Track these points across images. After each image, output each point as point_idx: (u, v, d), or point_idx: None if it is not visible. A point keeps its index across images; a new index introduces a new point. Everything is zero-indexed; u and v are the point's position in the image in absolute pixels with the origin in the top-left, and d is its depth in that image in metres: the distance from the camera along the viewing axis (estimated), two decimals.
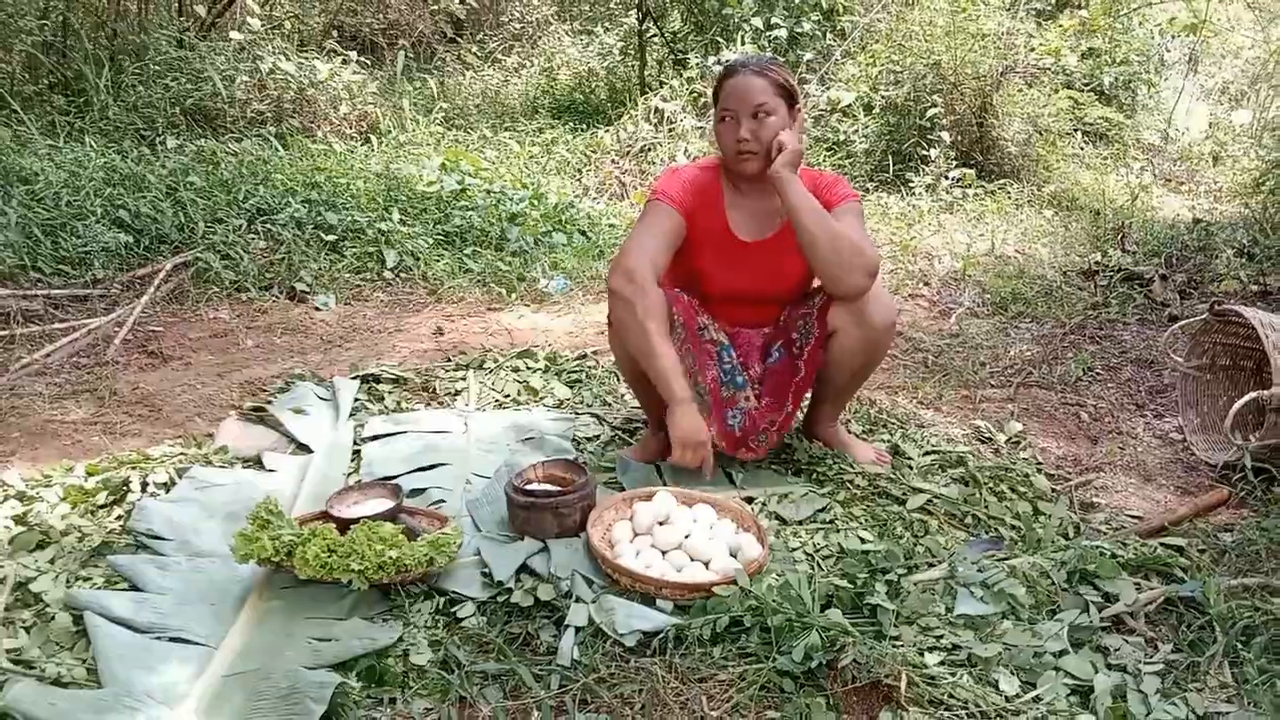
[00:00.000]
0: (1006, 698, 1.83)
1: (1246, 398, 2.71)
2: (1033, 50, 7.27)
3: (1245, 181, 6.60)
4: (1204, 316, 3.17)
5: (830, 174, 2.66)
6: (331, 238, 4.66)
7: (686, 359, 2.58)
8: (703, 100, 6.70)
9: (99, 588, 2.12)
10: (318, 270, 4.44)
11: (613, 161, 6.47)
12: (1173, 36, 8.40)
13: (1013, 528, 2.47)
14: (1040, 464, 2.90)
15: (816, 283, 2.62)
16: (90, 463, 2.66)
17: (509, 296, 4.34)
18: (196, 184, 4.93)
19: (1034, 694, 1.85)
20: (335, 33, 8.88)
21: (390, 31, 9.97)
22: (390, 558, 2.04)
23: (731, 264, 2.62)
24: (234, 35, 6.84)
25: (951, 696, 1.82)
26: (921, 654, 1.93)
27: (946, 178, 6.34)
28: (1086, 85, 7.88)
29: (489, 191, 5.45)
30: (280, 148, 5.93)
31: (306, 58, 7.02)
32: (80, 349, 3.69)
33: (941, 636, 2.00)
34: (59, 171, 4.88)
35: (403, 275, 4.53)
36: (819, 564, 2.28)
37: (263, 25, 7.12)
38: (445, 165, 5.74)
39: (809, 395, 2.80)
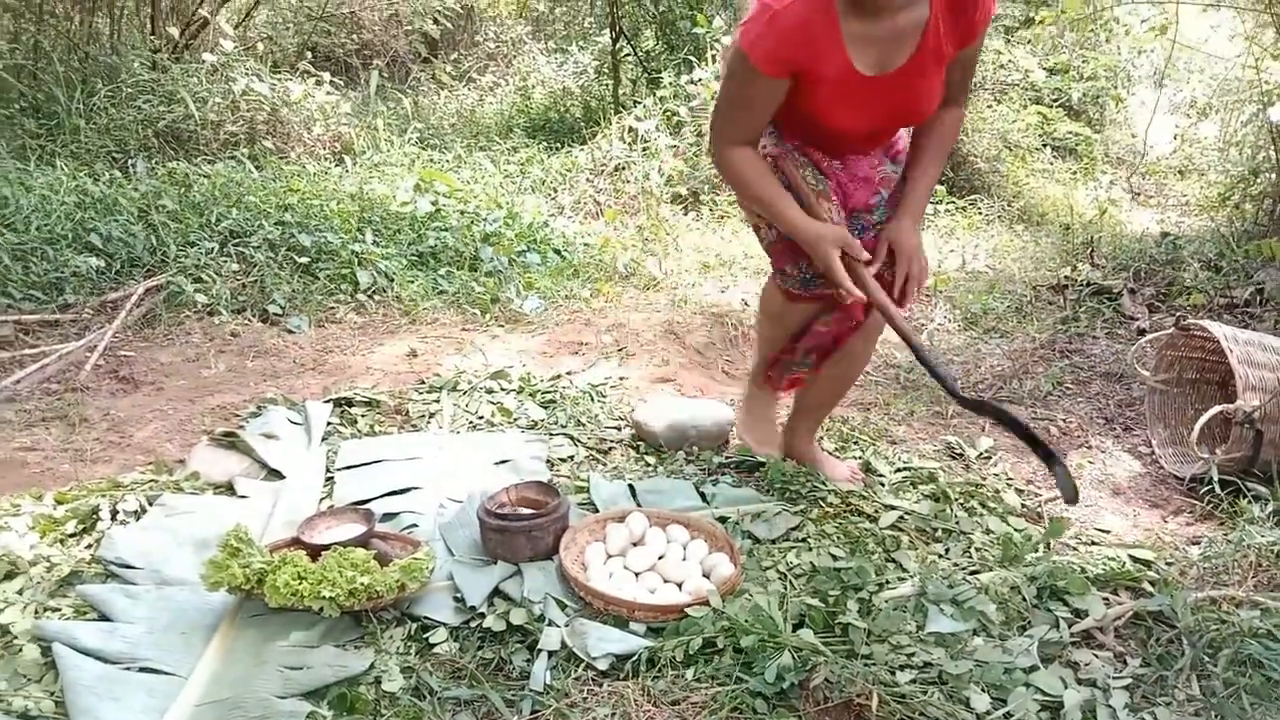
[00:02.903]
0: (978, 715, 1.84)
1: (1211, 411, 2.75)
2: (1001, 67, 7.35)
3: (1212, 195, 6.69)
4: (1170, 331, 3.21)
5: None
6: (304, 260, 4.64)
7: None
8: (676, 119, 6.73)
9: (68, 618, 2.11)
10: (290, 293, 4.42)
11: (587, 180, 6.48)
12: (1139, 52, 8.51)
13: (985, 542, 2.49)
14: (1010, 479, 2.92)
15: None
16: (60, 491, 2.65)
17: (483, 317, 4.34)
18: (169, 207, 4.90)
19: (1005, 710, 1.86)
20: (309, 54, 8.87)
21: (364, 52, 9.97)
22: (362, 584, 2.04)
23: (854, 103, 2.22)
24: (207, 57, 6.82)
25: (923, 715, 1.84)
26: (893, 672, 1.95)
27: None
28: (1055, 101, 7.97)
29: (463, 212, 5.45)
30: (253, 169, 5.91)
31: (280, 79, 7.01)
32: (51, 375, 3.66)
33: (913, 654, 2.01)
34: (29, 196, 4.84)
35: (376, 297, 4.51)
36: (791, 583, 2.29)
37: (236, 47, 7.09)
38: (419, 186, 5.74)
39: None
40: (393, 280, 4.60)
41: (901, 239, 2.34)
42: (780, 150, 2.39)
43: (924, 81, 2.21)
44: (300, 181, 5.71)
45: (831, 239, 2.26)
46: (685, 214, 6.07)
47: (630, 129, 6.65)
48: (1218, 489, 2.71)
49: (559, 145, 7.41)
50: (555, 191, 6.48)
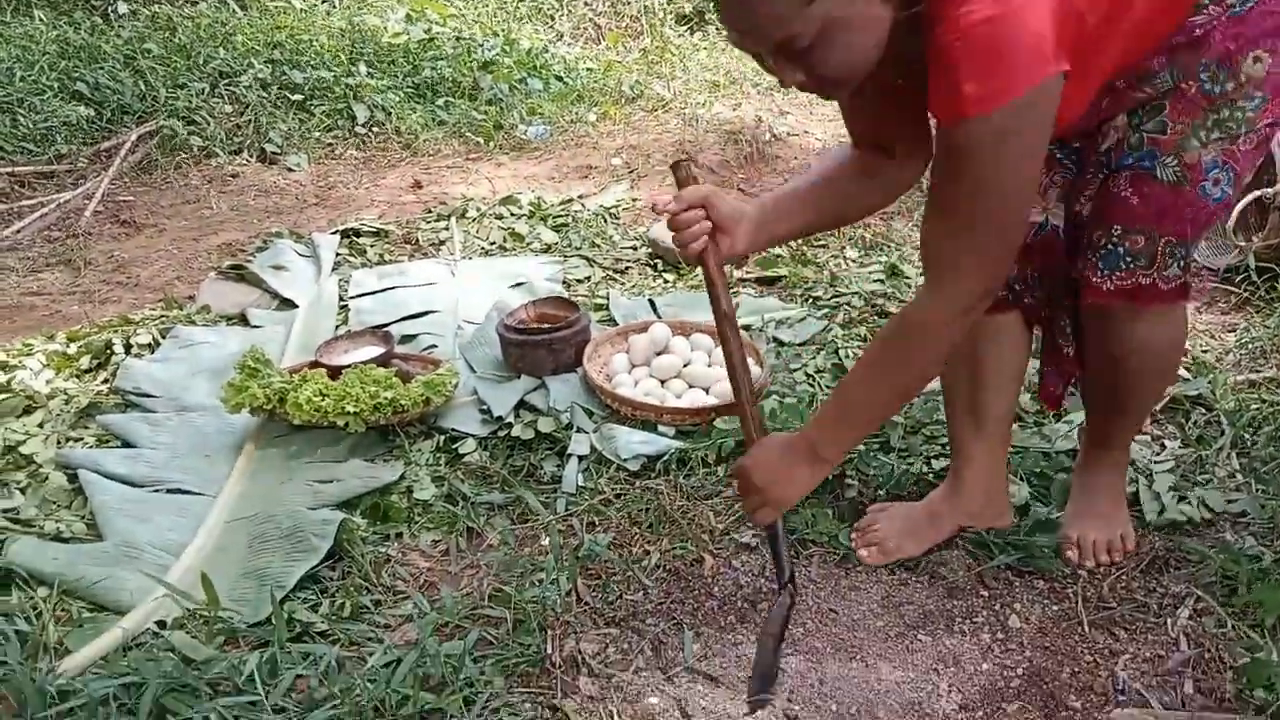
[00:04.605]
0: (1017, 506, 1.81)
1: (1249, 197, 2.64)
2: None
3: None
4: None
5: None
6: (298, 97, 4.48)
7: None
8: None
9: (91, 447, 2.09)
10: (287, 131, 4.28)
11: (585, 3, 6.20)
12: None
13: None
14: None
15: None
16: (71, 329, 2.60)
17: (487, 146, 4.20)
18: (154, 51, 4.71)
19: (1045, 498, 1.84)
20: None
21: None
22: (385, 399, 2.00)
23: None
24: None
25: None
26: (929, 462, 1.92)
27: None
28: None
29: (459, 39, 5.23)
30: (238, 9, 5.66)
31: None
32: (51, 223, 3.58)
33: (948, 444, 1.97)
34: (9, 47, 4.66)
35: (375, 130, 4.37)
36: (820, 385, 2.25)
37: None
38: (410, 16, 5.49)
39: None
40: (390, 113, 4.44)
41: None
42: None
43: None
44: (288, 18, 5.46)
45: None
46: (691, 34, 5.82)
47: None
48: (1254, 276, 2.64)
49: None
50: (553, 18, 6.19)
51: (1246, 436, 2.00)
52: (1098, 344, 1.55)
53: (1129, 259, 1.42)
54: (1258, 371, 2.28)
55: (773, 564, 1.58)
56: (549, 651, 1.47)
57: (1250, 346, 2.40)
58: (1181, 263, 1.43)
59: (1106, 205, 1.44)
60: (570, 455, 1.98)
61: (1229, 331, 2.51)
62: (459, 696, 1.37)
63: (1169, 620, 1.55)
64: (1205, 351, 2.39)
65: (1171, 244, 1.41)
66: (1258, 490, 1.84)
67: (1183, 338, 1.59)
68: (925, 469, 1.91)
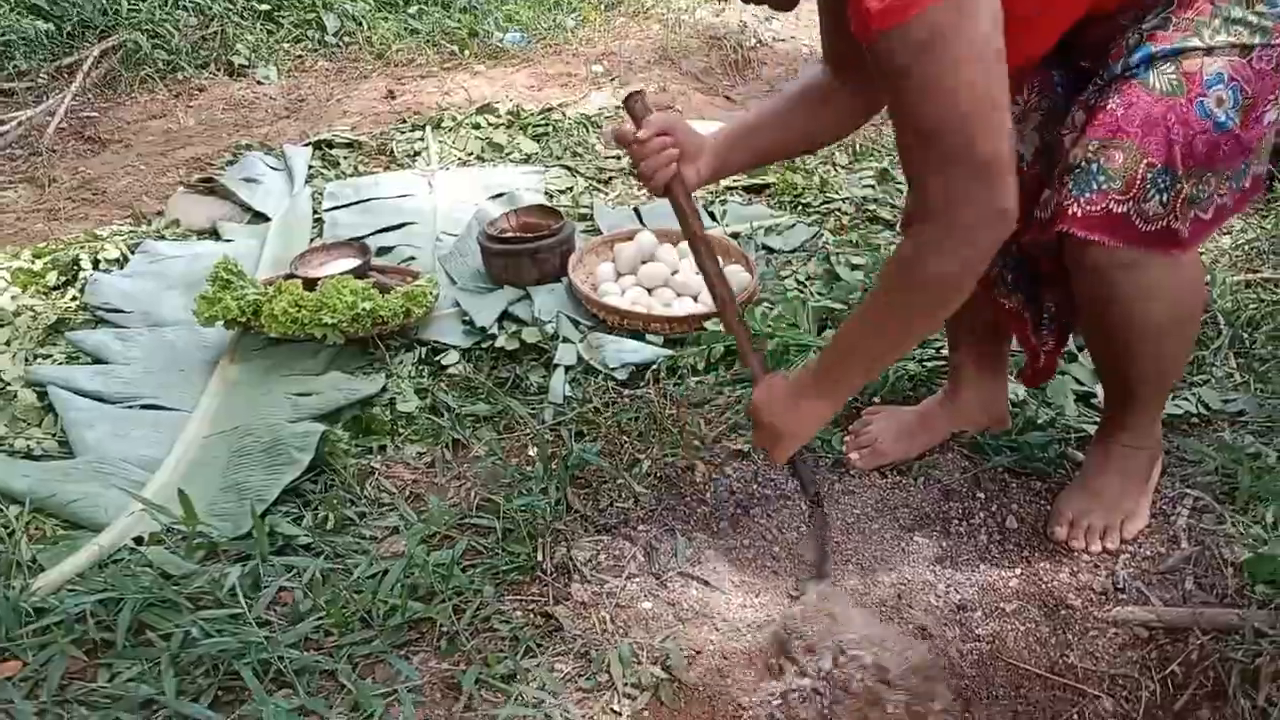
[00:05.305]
0: (1013, 401, 1.77)
1: None
2: None
3: None
4: None
5: None
6: (265, 7, 4.32)
7: None
8: None
9: (60, 364, 2.02)
10: (254, 43, 4.13)
11: None
12: None
13: None
14: None
15: None
16: (37, 246, 2.51)
17: (462, 54, 4.07)
18: None
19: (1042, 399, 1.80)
20: None
21: None
22: (364, 309, 1.94)
23: None
24: None
25: None
26: (923, 364, 1.88)
27: None
28: None
29: None
30: None
31: None
32: (12, 141, 3.45)
33: (942, 348, 1.93)
34: None
35: (346, 40, 4.22)
36: (811, 292, 2.19)
37: None
38: None
39: None
40: (361, 23, 4.29)
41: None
42: None
43: None
44: None
45: None
46: None
47: None
48: None
49: None
50: None
51: (1244, 336, 1.97)
52: (1086, 305, 1.37)
53: (1102, 177, 1.23)
54: (1255, 272, 2.24)
55: (801, 489, 1.52)
56: (540, 559, 1.44)
57: (1247, 247, 2.36)
58: (1166, 197, 1.22)
59: (1089, 119, 1.27)
60: (557, 365, 1.93)
61: (1225, 233, 2.46)
62: (448, 605, 1.34)
63: (1168, 519, 1.53)
64: (1202, 253, 2.35)
65: (1154, 168, 1.21)
66: (1256, 389, 1.81)
67: (1191, 302, 1.37)
68: (920, 370, 1.87)
